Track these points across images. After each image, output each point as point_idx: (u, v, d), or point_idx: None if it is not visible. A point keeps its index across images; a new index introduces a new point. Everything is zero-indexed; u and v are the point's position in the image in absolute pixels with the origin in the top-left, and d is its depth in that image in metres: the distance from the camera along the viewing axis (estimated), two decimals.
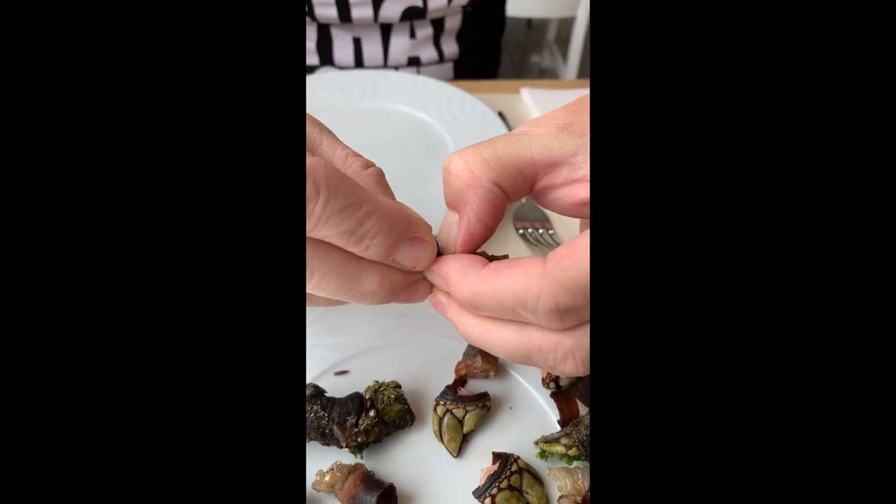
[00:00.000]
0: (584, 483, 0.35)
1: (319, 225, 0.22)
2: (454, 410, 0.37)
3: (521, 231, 0.53)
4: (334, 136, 0.30)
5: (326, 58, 0.80)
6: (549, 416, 0.39)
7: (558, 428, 0.38)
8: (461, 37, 0.83)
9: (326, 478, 0.34)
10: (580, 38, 1.86)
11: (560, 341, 0.23)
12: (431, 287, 0.28)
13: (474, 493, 0.34)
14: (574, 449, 0.35)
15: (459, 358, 0.41)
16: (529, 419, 0.39)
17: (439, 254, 0.27)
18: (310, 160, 0.22)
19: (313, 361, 0.41)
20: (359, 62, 0.80)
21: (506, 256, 0.27)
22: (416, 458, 0.37)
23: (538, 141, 0.25)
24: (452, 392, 0.38)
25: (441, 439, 0.37)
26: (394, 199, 0.27)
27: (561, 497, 0.34)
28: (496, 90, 0.74)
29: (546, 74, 2.30)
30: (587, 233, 0.21)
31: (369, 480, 0.34)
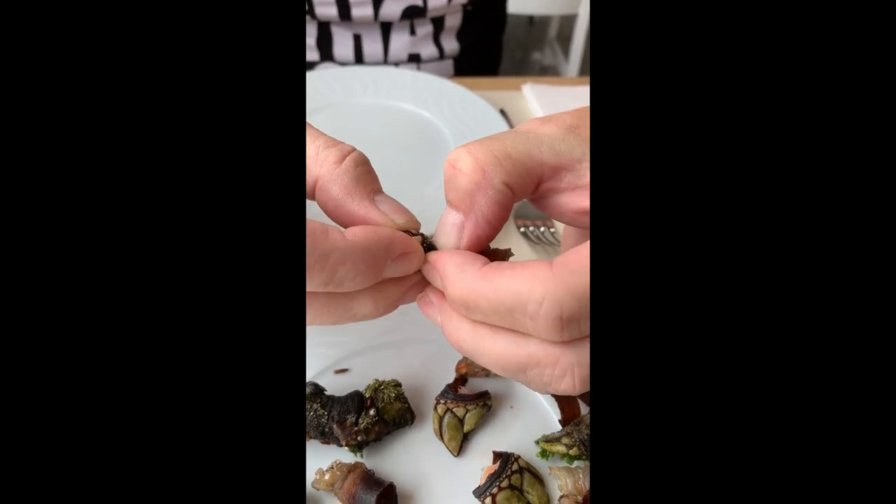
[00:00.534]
0: (584, 483, 0.34)
1: None
2: (455, 409, 0.37)
3: (522, 229, 0.53)
4: (309, 126, 0.27)
5: (326, 54, 0.80)
6: (550, 416, 0.39)
7: (559, 427, 0.38)
8: (462, 35, 0.83)
9: (326, 476, 0.34)
10: (582, 36, 1.86)
11: (561, 356, 0.21)
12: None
13: (475, 492, 0.34)
14: (575, 448, 0.35)
15: (460, 356, 0.41)
16: (530, 418, 0.39)
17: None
18: None
19: (313, 359, 0.41)
20: (359, 59, 0.80)
21: (508, 250, 0.27)
22: (416, 457, 0.37)
23: (546, 141, 0.24)
24: (453, 391, 0.38)
25: (441, 438, 0.37)
26: (376, 188, 0.26)
27: (562, 497, 0.34)
28: (497, 87, 0.74)
29: (547, 72, 2.29)
30: None
31: (369, 479, 0.33)
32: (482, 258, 0.24)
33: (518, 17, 2.55)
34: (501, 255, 0.26)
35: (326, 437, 0.36)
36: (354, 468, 0.34)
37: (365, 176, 0.25)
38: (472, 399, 0.37)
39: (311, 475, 0.34)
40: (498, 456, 0.35)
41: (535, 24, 2.68)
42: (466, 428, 0.37)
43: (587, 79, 0.77)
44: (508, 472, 0.34)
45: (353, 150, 0.26)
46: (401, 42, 0.79)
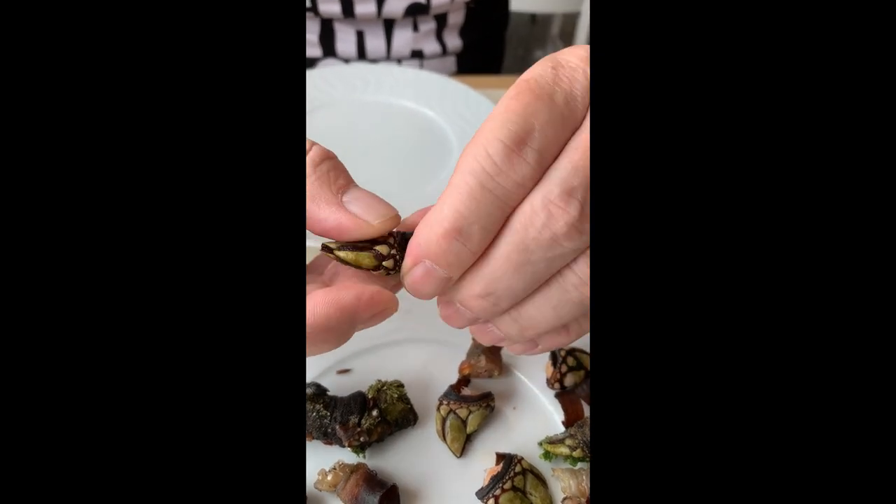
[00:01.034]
0: (588, 485, 0.34)
1: None
2: (457, 410, 0.37)
3: None
4: None
5: (329, 50, 0.79)
6: (553, 417, 0.39)
7: (562, 429, 0.38)
8: (464, 31, 0.83)
9: (329, 477, 0.34)
10: (584, 34, 1.85)
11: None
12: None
13: (477, 493, 0.34)
14: (578, 450, 0.35)
15: (463, 357, 0.41)
16: (533, 420, 0.39)
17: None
18: None
19: (315, 360, 0.41)
20: (361, 55, 0.79)
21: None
22: (418, 458, 0.37)
23: None
24: (456, 392, 0.38)
25: (444, 439, 0.37)
26: (342, 185, 0.23)
27: (565, 499, 0.34)
28: (500, 86, 0.73)
29: None
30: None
31: (372, 480, 0.33)
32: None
33: (520, 15, 2.55)
34: None
35: (329, 438, 0.35)
36: (357, 469, 0.34)
37: (328, 174, 0.24)
38: (475, 400, 0.37)
39: (313, 476, 0.34)
40: (501, 457, 0.35)
41: (537, 22, 2.67)
42: (469, 429, 0.37)
43: None
44: (511, 474, 0.34)
45: (313, 146, 0.24)
46: (403, 38, 0.79)
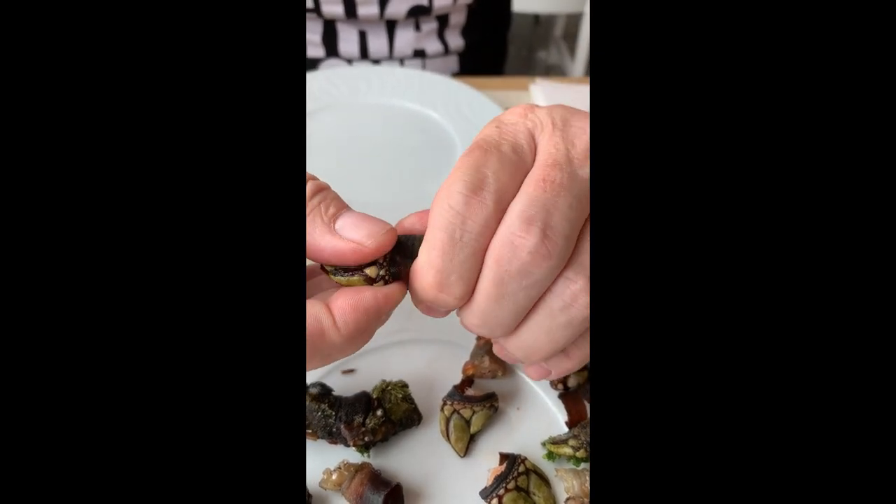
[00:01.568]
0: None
1: None
2: (461, 410, 0.37)
3: None
4: None
5: (332, 50, 0.80)
6: (556, 418, 0.39)
7: (566, 429, 0.38)
8: (466, 31, 0.83)
9: (333, 476, 0.34)
10: (587, 35, 1.85)
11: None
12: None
13: (481, 493, 0.34)
14: (582, 451, 0.35)
15: (467, 358, 0.41)
16: (537, 420, 0.39)
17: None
18: None
19: None
20: (364, 55, 0.80)
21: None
22: (423, 457, 0.37)
23: None
24: (460, 392, 0.38)
25: (448, 439, 0.37)
26: (334, 213, 0.25)
27: (568, 499, 0.34)
28: (504, 87, 0.73)
29: (553, 71, 2.29)
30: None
31: (376, 479, 0.33)
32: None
33: (524, 16, 2.55)
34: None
35: (334, 438, 0.36)
36: (362, 468, 0.34)
37: (319, 206, 0.25)
38: (478, 400, 0.37)
39: (318, 475, 0.34)
40: (504, 457, 0.35)
41: (540, 23, 2.67)
42: (473, 429, 0.37)
43: None
44: (515, 474, 0.34)
45: (308, 180, 0.26)
46: (406, 38, 0.79)
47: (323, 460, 0.35)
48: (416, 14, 0.76)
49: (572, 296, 0.23)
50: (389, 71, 0.73)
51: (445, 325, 0.44)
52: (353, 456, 0.36)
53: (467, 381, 0.40)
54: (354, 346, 0.24)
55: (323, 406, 0.36)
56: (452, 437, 0.37)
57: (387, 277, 0.25)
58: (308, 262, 0.25)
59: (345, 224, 0.24)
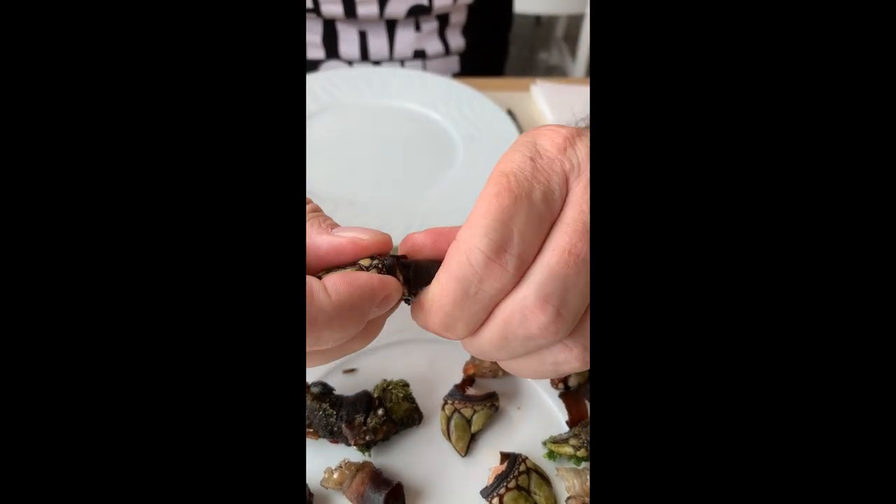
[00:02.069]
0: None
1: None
2: (462, 410, 0.37)
3: None
4: None
5: (332, 51, 0.80)
6: (557, 417, 0.39)
7: (567, 428, 0.38)
8: (467, 30, 0.83)
9: (335, 475, 0.34)
10: (588, 36, 1.85)
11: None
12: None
13: (482, 492, 0.34)
14: (583, 450, 0.35)
15: (468, 357, 0.41)
16: (538, 419, 0.39)
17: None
18: None
19: None
20: (364, 55, 0.80)
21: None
22: (424, 456, 0.37)
23: None
24: (461, 391, 0.38)
25: (449, 438, 0.37)
26: (331, 223, 0.25)
27: (569, 498, 0.34)
28: (505, 88, 0.74)
29: (554, 72, 2.29)
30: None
31: (377, 478, 0.34)
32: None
33: (525, 17, 2.55)
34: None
35: (335, 437, 0.36)
36: (363, 467, 0.34)
37: (317, 216, 0.26)
38: (479, 400, 0.38)
39: (319, 474, 0.35)
40: (505, 456, 0.35)
41: (541, 24, 2.67)
42: (474, 428, 0.37)
43: None
44: (516, 473, 0.34)
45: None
46: (406, 38, 0.80)
47: (324, 459, 0.35)
48: (416, 13, 0.76)
49: (566, 359, 0.24)
50: (391, 72, 0.73)
51: None
52: (354, 455, 0.36)
53: (468, 381, 0.40)
54: (345, 323, 0.23)
55: (324, 405, 0.36)
56: (453, 436, 0.37)
57: (381, 268, 0.24)
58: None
59: (342, 229, 0.25)
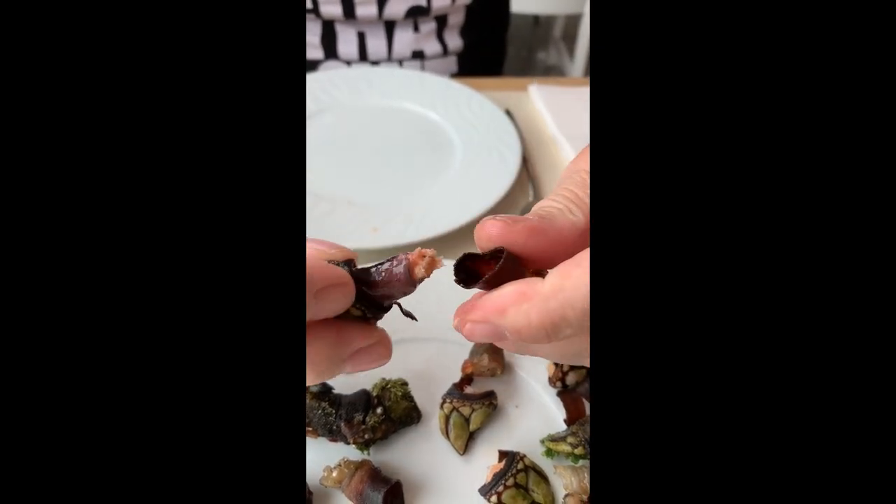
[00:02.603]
0: (589, 481, 0.35)
1: None
2: (461, 408, 0.37)
3: None
4: None
5: (331, 52, 0.80)
6: (555, 415, 0.39)
7: (564, 427, 0.38)
8: (465, 31, 0.84)
9: (334, 474, 0.34)
10: (587, 36, 1.85)
11: None
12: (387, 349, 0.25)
13: (480, 490, 0.35)
14: (580, 448, 0.35)
15: (466, 356, 0.41)
16: (536, 418, 0.39)
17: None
18: None
19: None
20: (363, 56, 0.80)
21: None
22: (422, 455, 0.37)
23: None
24: (459, 390, 0.38)
25: (447, 437, 0.37)
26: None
27: (567, 495, 0.35)
28: (503, 87, 0.74)
29: (552, 72, 2.29)
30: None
31: (376, 477, 0.34)
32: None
33: (523, 17, 2.55)
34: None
35: (334, 435, 0.36)
36: (362, 466, 0.34)
37: None
38: (478, 398, 0.38)
39: (319, 472, 0.35)
40: (503, 455, 0.36)
41: (539, 24, 2.67)
42: (472, 427, 0.37)
43: None
44: (514, 471, 0.34)
45: None
46: (405, 39, 0.80)
47: (323, 458, 0.35)
48: (415, 14, 0.77)
49: None
50: (389, 72, 0.73)
51: (445, 324, 0.44)
52: (353, 453, 0.36)
53: (466, 380, 0.40)
54: (322, 302, 0.22)
55: (323, 404, 0.36)
56: (452, 434, 0.37)
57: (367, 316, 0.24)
58: None
59: (309, 239, 0.24)
